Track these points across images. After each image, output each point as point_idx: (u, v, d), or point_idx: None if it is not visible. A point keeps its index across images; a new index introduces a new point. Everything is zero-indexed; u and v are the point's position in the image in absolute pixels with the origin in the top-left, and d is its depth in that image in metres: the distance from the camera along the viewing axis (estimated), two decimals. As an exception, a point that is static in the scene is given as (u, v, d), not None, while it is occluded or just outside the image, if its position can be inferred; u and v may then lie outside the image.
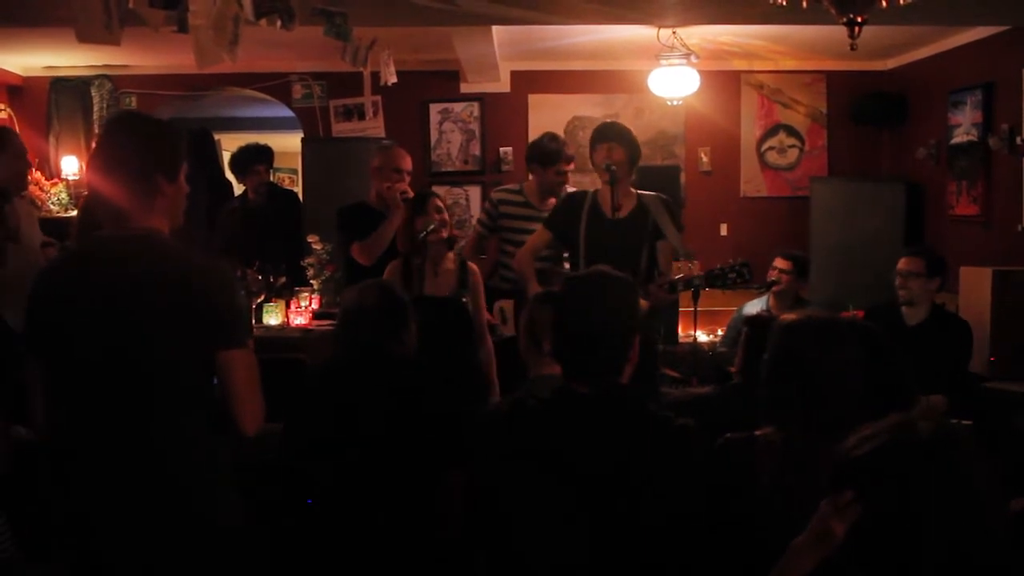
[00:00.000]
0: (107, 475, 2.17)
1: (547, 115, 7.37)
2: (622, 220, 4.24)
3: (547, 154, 5.00)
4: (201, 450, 2.23)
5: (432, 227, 4.16)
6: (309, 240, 5.44)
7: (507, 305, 4.66)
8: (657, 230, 4.18)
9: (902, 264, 4.55)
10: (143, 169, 2.24)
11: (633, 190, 4.31)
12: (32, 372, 2.31)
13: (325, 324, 4.97)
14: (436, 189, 7.23)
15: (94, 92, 7.41)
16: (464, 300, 4.20)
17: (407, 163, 4.86)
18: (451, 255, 4.27)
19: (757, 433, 2.23)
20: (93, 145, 7.23)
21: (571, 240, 4.35)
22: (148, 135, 2.30)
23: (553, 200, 5.03)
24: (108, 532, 2.17)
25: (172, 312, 2.16)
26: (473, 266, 4.37)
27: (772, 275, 5.39)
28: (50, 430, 2.29)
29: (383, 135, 7.27)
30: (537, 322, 3.03)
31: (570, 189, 5.11)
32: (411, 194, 4.75)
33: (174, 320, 2.16)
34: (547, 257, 4.64)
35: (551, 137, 5.14)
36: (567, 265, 4.79)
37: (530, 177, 5.17)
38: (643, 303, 3.68)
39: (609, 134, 4.31)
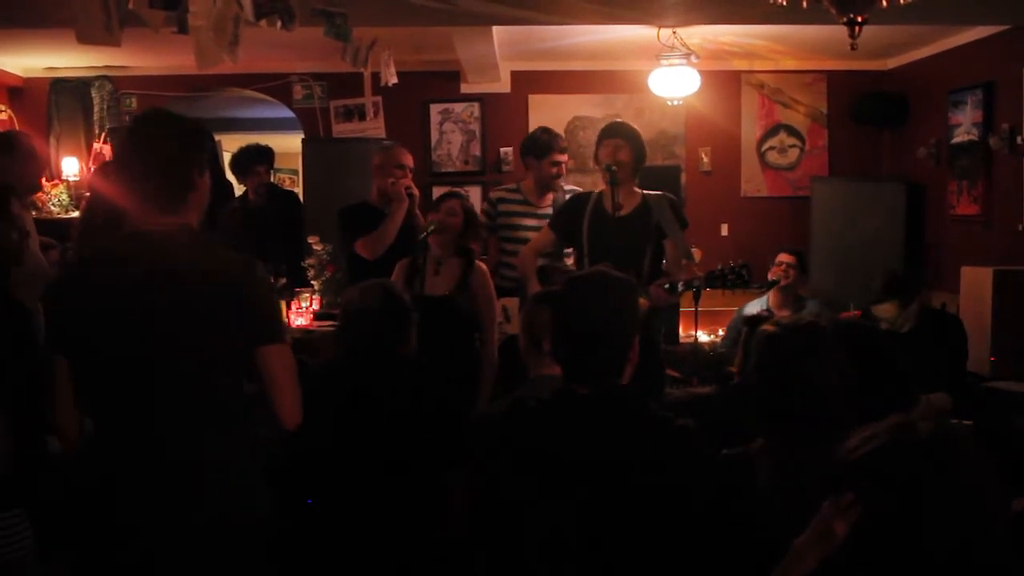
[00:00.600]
0: (133, 472, 2.16)
1: (547, 115, 7.36)
2: (625, 218, 4.24)
3: (541, 146, 5.04)
4: (231, 447, 2.23)
5: (432, 227, 4.18)
6: (309, 241, 5.44)
7: (510, 303, 4.66)
8: (661, 229, 4.19)
9: (883, 312, 4.60)
10: (178, 164, 2.26)
11: (638, 189, 4.32)
12: (55, 372, 2.24)
13: (326, 325, 4.97)
14: (436, 189, 7.30)
15: (94, 93, 7.41)
16: (458, 299, 4.17)
17: (408, 159, 4.87)
18: (464, 258, 4.24)
19: (752, 446, 2.23)
20: (106, 145, 7.26)
21: (575, 239, 4.36)
22: (182, 131, 2.30)
23: (551, 196, 5.05)
24: (130, 529, 2.15)
25: (214, 308, 2.17)
26: (481, 266, 4.35)
27: (777, 272, 5.39)
28: (76, 429, 2.27)
29: (383, 136, 7.27)
30: (535, 323, 3.03)
31: (567, 186, 5.15)
32: (415, 190, 4.76)
33: (216, 316, 2.17)
34: (548, 254, 4.64)
35: (543, 130, 5.20)
36: (568, 261, 4.80)
37: (527, 175, 5.19)
38: (643, 302, 3.68)
39: (616, 132, 4.34)
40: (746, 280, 4.00)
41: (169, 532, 2.15)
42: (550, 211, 4.92)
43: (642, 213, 4.25)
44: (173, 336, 2.15)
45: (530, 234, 4.80)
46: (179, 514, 2.16)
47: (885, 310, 4.61)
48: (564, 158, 5.05)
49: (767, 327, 2.28)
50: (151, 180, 2.24)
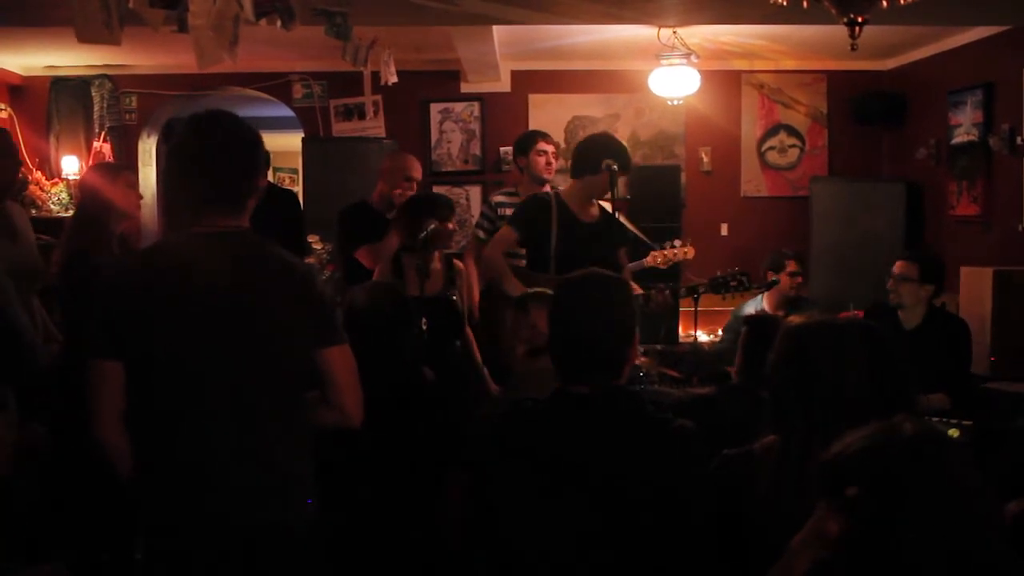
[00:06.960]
0: (200, 476, 2.15)
1: (547, 115, 7.36)
2: (594, 225, 4.28)
3: (526, 139, 5.14)
4: (294, 448, 2.24)
5: (432, 228, 4.18)
6: (309, 240, 5.44)
7: None
8: (621, 235, 4.23)
9: (896, 267, 4.46)
10: (247, 169, 2.26)
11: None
12: (100, 379, 2.14)
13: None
14: (436, 189, 7.30)
15: (94, 92, 7.41)
16: (453, 297, 4.20)
17: (416, 171, 4.89)
18: (436, 253, 4.25)
19: (755, 446, 2.22)
20: (106, 144, 7.25)
21: (541, 244, 4.32)
22: (248, 138, 2.28)
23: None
24: (190, 533, 2.15)
25: (288, 311, 2.18)
26: (458, 263, 4.40)
27: (792, 282, 5.34)
28: (127, 443, 2.18)
29: (383, 135, 7.27)
30: (523, 324, 3.02)
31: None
32: None
33: (289, 319, 2.18)
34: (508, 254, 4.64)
35: (528, 130, 5.39)
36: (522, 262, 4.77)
37: (523, 178, 5.20)
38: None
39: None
40: (747, 286, 4.05)
41: (236, 534, 2.14)
42: None
43: (609, 220, 4.28)
44: (250, 339, 2.15)
45: None
46: (247, 516, 2.16)
47: (904, 268, 4.43)
48: (550, 147, 5.10)
49: (792, 320, 2.28)
50: (219, 183, 2.22)
